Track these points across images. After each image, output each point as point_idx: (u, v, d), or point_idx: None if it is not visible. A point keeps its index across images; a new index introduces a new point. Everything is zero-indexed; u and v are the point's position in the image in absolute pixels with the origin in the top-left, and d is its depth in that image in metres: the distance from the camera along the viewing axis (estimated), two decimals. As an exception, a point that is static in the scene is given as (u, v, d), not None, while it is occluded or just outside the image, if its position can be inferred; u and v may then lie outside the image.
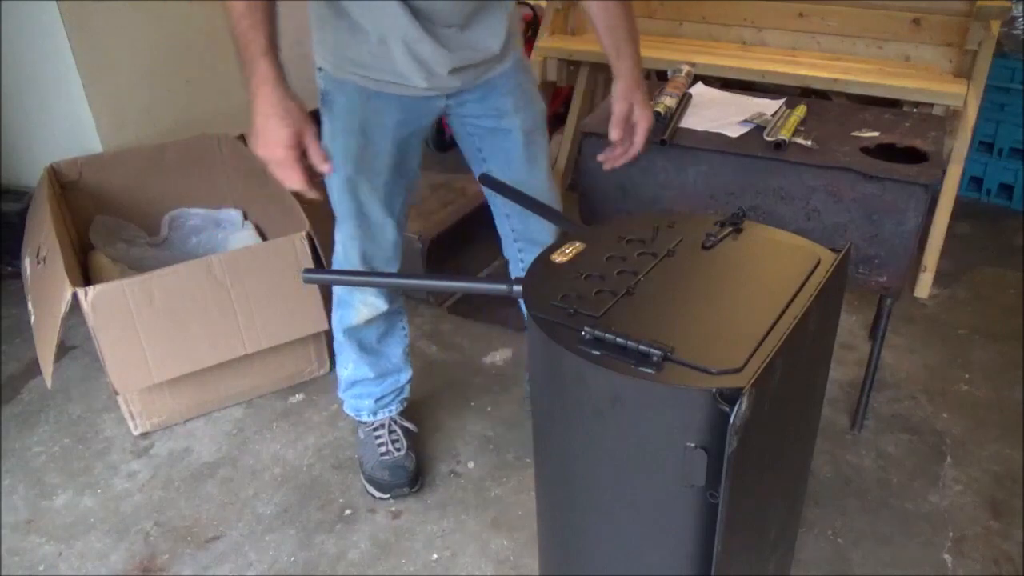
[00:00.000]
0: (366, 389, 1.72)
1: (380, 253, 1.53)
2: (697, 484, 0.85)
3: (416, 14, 1.28)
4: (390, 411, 1.75)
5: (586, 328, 0.88)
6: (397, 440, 1.73)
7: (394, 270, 1.56)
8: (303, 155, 1.15)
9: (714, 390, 0.80)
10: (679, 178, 1.41)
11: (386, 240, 1.52)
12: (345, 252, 1.51)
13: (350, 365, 1.69)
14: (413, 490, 1.70)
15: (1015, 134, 2.76)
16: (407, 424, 1.77)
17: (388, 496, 1.69)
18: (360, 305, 1.58)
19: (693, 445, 0.83)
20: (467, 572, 1.54)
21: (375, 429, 1.74)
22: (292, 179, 1.13)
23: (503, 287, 1.04)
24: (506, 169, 1.52)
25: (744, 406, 0.77)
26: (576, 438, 0.96)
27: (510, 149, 1.52)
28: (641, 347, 0.84)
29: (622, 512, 0.97)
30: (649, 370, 0.83)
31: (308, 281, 1.16)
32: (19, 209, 2.32)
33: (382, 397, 1.73)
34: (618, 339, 0.86)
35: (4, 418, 1.95)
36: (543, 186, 1.57)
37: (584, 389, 0.90)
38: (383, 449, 1.71)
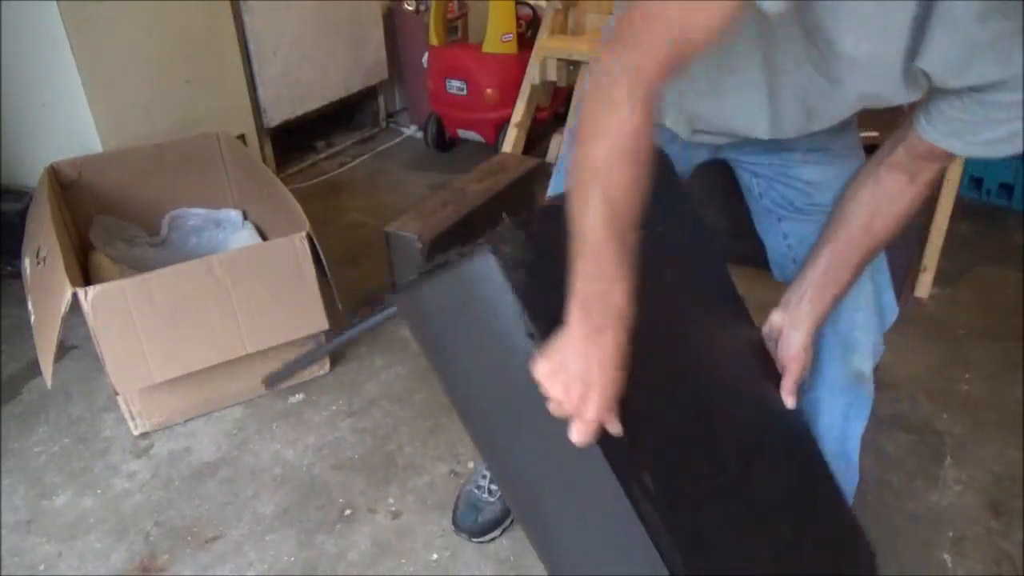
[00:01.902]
0: None
1: None
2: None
3: None
4: None
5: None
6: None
7: None
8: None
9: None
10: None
11: None
12: None
13: None
14: (473, 540, 1.58)
15: (1015, 134, 2.75)
16: None
17: (453, 527, 1.61)
18: None
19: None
20: (467, 572, 1.54)
21: None
22: (586, 434, 0.86)
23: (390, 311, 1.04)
24: (794, 234, 1.25)
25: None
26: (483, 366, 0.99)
27: (797, 203, 1.23)
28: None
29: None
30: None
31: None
32: (19, 209, 2.32)
33: None
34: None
35: (4, 418, 1.95)
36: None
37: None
38: (482, 482, 1.62)
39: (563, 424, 0.87)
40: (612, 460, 0.89)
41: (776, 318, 1.17)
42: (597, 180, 0.81)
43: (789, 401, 1.16)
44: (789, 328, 1.15)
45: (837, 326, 1.21)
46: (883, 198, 1.08)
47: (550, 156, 3.30)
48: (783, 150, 1.18)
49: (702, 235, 1.17)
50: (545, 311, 0.87)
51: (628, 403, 0.89)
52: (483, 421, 1.02)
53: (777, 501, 1.13)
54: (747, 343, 1.19)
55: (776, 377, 1.18)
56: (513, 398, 0.95)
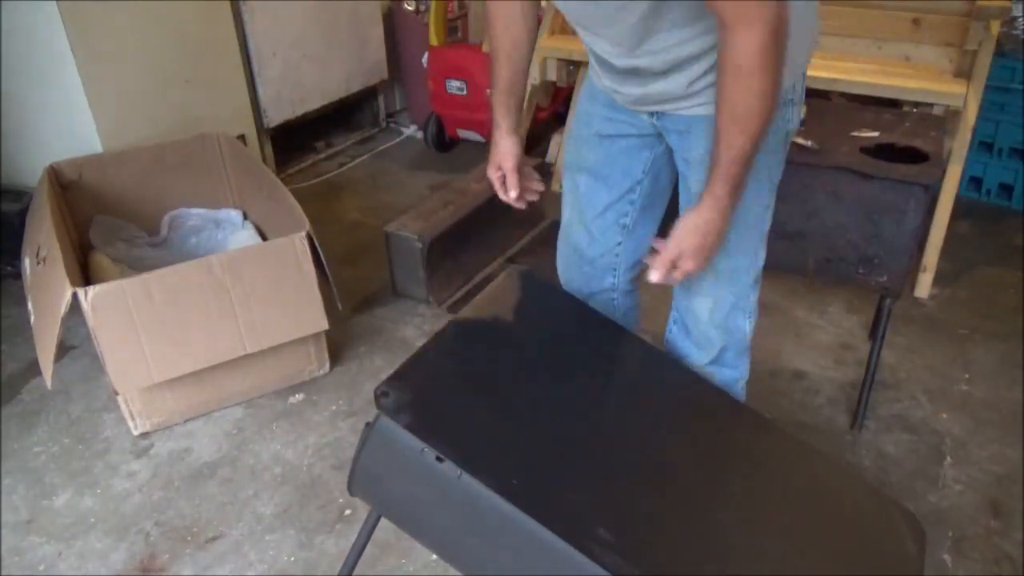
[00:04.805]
0: None
1: (569, 253, 1.51)
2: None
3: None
4: None
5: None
6: None
7: (587, 288, 1.51)
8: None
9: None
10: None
11: (576, 244, 1.48)
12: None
13: None
14: None
15: (1015, 134, 2.76)
16: None
17: None
18: None
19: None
20: (467, 572, 1.54)
21: None
22: (499, 192, 1.46)
23: None
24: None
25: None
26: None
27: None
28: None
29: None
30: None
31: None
32: (19, 209, 2.32)
33: None
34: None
35: (4, 418, 1.95)
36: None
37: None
38: None
39: (514, 527, 0.94)
40: (560, 532, 0.94)
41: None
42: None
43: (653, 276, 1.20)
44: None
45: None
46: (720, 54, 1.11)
47: (550, 156, 3.30)
48: (690, 134, 1.26)
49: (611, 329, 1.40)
50: (446, 434, 0.99)
51: (557, 479, 1.00)
52: (457, 554, 1.09)
53: (763, 499, 1.14)
54: (675, 386, 1.35)
55: (718, 399, 1.30)
56: (464, 521, 1.01)
